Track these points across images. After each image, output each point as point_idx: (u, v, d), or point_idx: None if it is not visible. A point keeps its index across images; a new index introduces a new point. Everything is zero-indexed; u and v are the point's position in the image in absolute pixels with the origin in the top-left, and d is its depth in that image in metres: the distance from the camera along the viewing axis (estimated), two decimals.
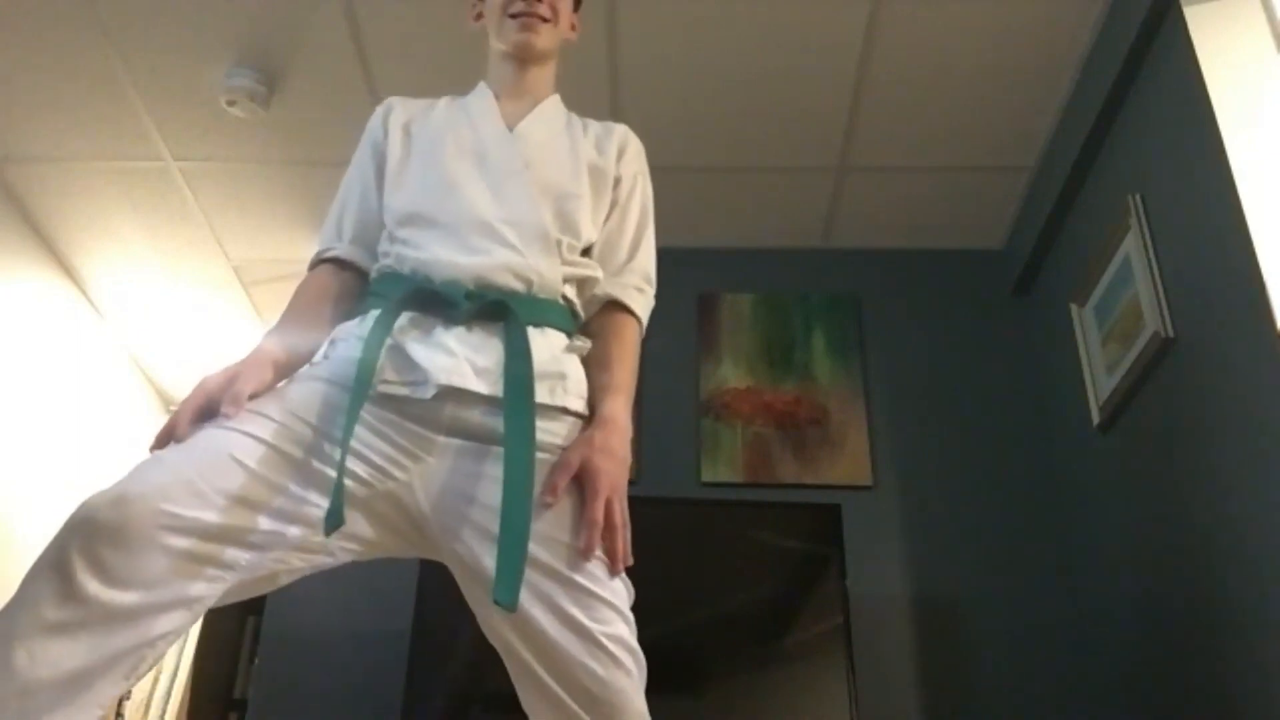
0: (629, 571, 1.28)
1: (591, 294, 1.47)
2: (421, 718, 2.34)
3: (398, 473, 1.25)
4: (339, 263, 1.47)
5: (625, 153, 1.56)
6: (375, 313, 1.31)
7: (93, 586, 1.02)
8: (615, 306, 1.48)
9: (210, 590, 1.13)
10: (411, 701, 2.35)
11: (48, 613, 1.01)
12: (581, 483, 1.25)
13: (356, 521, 1.24)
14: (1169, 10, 2.19)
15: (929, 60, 2.65)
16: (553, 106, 1.58)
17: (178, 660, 3.94)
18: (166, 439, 1.19)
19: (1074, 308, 2.74)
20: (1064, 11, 2.50)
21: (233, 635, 5.30)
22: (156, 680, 3.86)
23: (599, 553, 1.22)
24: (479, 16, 1.63)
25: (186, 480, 1.11)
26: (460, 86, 2.85)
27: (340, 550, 1.27)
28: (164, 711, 3.87)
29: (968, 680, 2.66)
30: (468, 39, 2.64)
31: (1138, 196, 2.38)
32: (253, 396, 1.24)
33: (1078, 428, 2.73)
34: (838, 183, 3.07)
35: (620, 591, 1.24)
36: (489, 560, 1.18)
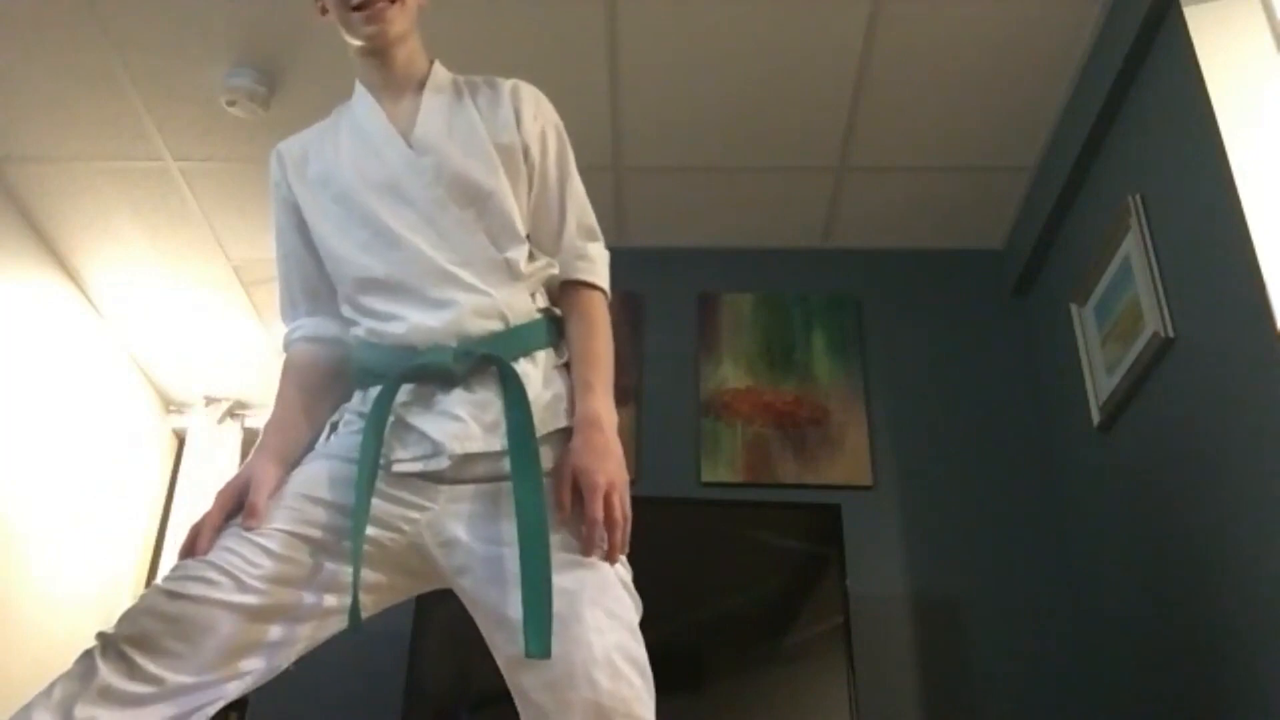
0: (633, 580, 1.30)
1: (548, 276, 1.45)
2: (421, 718, 2.34)
3: (407, 526, 1.28)
4: (308, 340, 1.48)
5: (521, 113, 1.47)
6: (374, 391, 1.32)
7: (152, 668, 1.15)
8: (569, 285, 1.46)
9: (259, 665, 1.21)
10: (411, 702, 2.35)
11: (113, 683, 1.16)
12: (578, 487, 1.26)
13: (370, 576, 1.28)
14: (1169, 10, 2.19)
15: (929, 60, 2.65)
16: (434, 92, 1.48)
17: None
18: (189, 552, 1.24)
19: (1074, 308, 2.74)
20: (1064, 11, 2.50)
21: None
22: None
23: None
24: (324, 11, 1.47)
25: (227, 573, 1.18)
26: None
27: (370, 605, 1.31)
28: None
29: (968, 680, 2.66)
30: (467, 39, 2.65)
31: (1138, 196, 2.38)
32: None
33: (1078, 428, 2.73)
34: (838, 183, 3.07)
35: (628, 605, 1.25)
36: (508, 605, 1.20)
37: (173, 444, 4.34)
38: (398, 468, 1.28)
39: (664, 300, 3.18)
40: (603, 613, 1.19)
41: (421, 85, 1.49)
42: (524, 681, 1.18)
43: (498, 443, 1.28)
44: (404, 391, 1.31)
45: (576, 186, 1.51)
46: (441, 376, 1.31)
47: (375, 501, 1.26)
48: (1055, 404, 2.92)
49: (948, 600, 2.75)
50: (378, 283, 1.37)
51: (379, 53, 1.47)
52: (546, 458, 1.29)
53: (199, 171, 3.08)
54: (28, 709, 1.14)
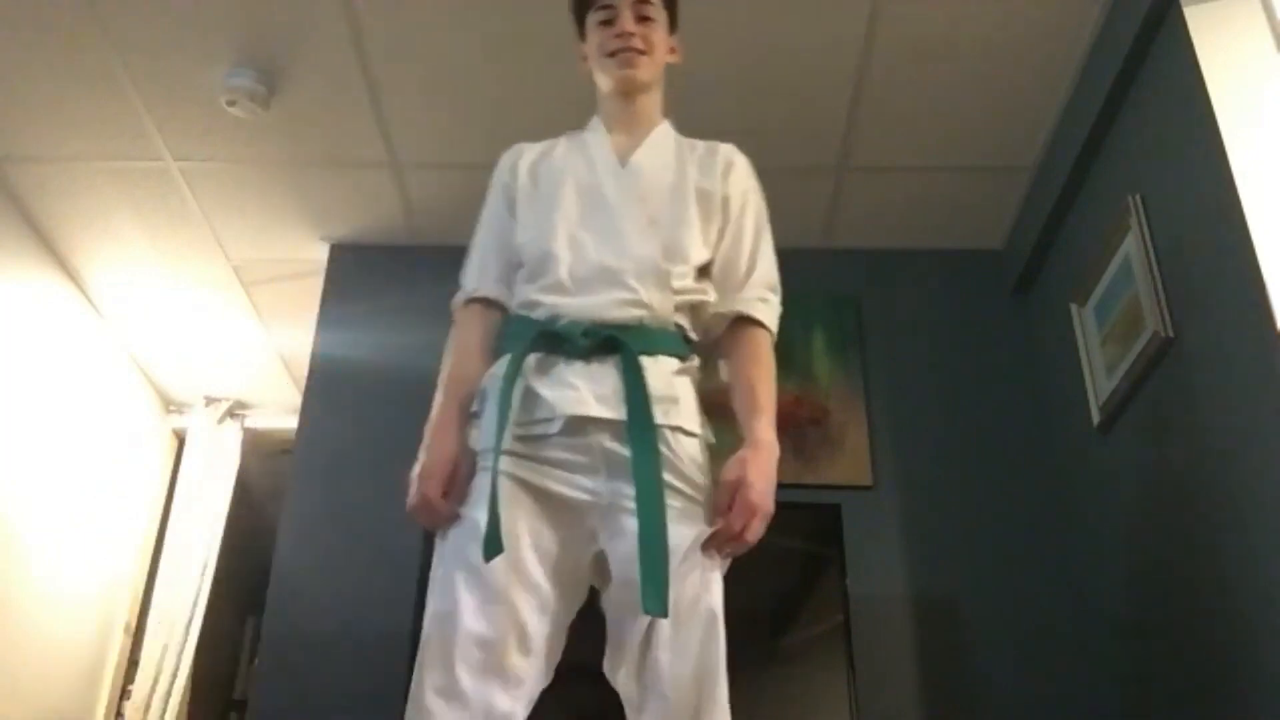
0: None
1: (715, 312, 1.59)
2: None
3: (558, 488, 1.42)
4: (486, 301, 1.62)
5: (731, 172, 1.66)
6: (507, 358, 1.47)
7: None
8: (743, 321, 1.58)
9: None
10: None
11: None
12: (732, 496, 1.40)
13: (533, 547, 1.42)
14: (1169, 10, 2.19)
15: (929, 60, 2.65)
16: (662, 135, 1.69)
17: (178, 660, 3.93)
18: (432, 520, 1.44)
19: (1074, 308, 2.74)
20: (1064, 11, 2.49)
21: (233, 635, 5.32)
22: (156, 680, 3.86)
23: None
24: (584, 59, 1.74)
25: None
26: (460, 86, 2.84)
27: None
28: (164, 711, 3.86)
29: (968, 680, 2.66)
30: (468, 39, 2.65)
31: (1138, 196, 2.38)
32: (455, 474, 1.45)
33: (1078, 428, 2.73)
34: (838, 183, 3.07)
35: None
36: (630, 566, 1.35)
37: (173, 444, 4.35)
38: (518, 431, 1.42)
39: None
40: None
41: (649, 131, 1.69)
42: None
43: (606, 412, 1.40)
44: (532, 360, 1.46)
45: (769, 247, 1.66)
46: (567, 350, 1.45)
47: (515, 467, 1.41)
48: (1055, 404, 2.92)
49: (948, 600, 2.75)
50: (549, 266, 1.53)
51: (624, 96, 1.68)
52: (663, 451, 1.41)
53: (199, 171, 3.08)
54: None
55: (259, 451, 4.42)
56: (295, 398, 3.61)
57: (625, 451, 1.39)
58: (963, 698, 2.64)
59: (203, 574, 4.07)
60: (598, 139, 1.67)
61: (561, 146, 1.70)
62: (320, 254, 3.34)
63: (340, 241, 3.35)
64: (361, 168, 3.06)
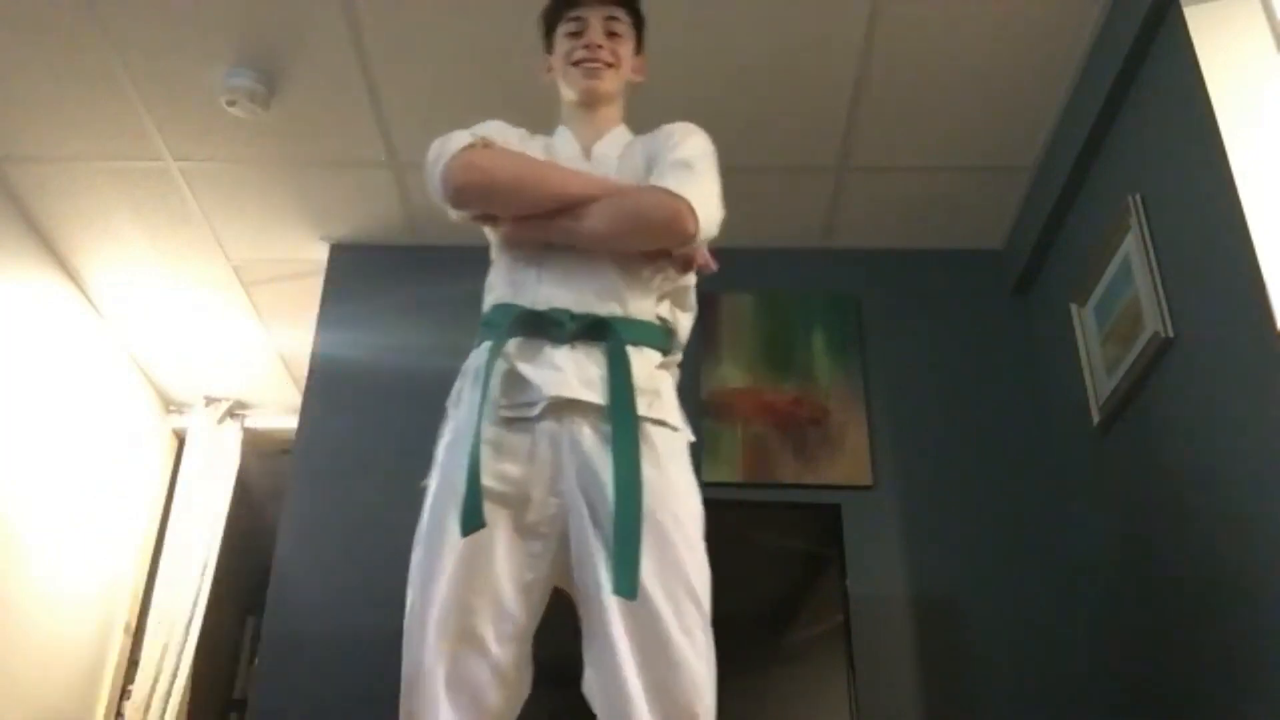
0: None
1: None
2: None
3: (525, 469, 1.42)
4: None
5: (671, 134, 1.66)
6: (488, 344, 1.48)
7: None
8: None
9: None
10: None
11: None
12: None
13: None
14: (1169, 10, 2.19)
15: (929, 60, 2.65)
16: (619, 132, 1.73)
17: (178, 660, 3.93)
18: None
19: (1074, 308, 2.74)
20: (1064, 11, 2.49)
21: (232, 635, 5.32)
22: (156, 680, 3.86)
23: None
24: (549, 70, 1.78)
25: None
26: (460, 87, 2.86)
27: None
28: (164, 711, 3.86)
29: (967, 680, 2.66)
30: (467, 39, 2.65)
31: (1138, 196, 2.38)
32: None
33: (1077, 428, 2.73)
34: (838, 183, 3.07)
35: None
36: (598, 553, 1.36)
37: (173, 444, 4.35)
38: (503, 413, 1.43)
39: None
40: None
41: (608, 132, 1.72)
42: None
43: (589, 396, 1.41)
44: (514, 344, 1.47)
45: (697, 149, 1.62)
46: (552, 334, 1.46)
47: (491, 455, 1.41)
48: (1055, 404, 2.92)
49: (948, 600, 2.75)
50: (525, 252, 1.56)
51: (587, 106, 1.72)
52: (645, 442, 1.41)
53: (199, 171, 3.08)
54: None
55: (259, 451, 4.42)
56: (295, 398, 3.61)
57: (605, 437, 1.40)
58: (963, 698, 2.64)
59: (203, 574, 4.07)
60: (564, 139, 1.71)
61: (534, 141, 1.71)
62: (320, 254, 3.34)
63: (340, 241, 3.35)
64: (361, 168, 3.06)
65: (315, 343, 3.20)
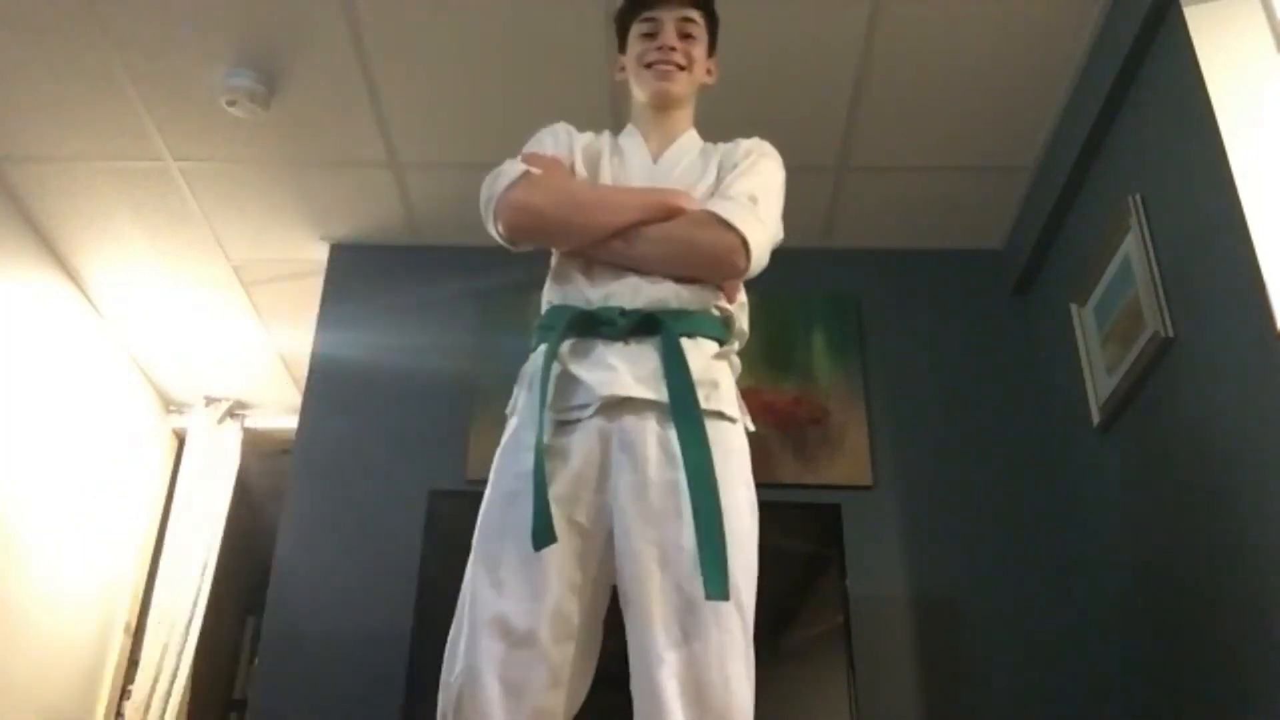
0: None
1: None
2: (421, 718, 2.34)
3: (590, 477, 1.42)
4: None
5: (749, 153, 1.67)
6: (544, 347, 1.48)
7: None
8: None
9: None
10: (412, 703, 2.34)
11: None
12: None
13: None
14: (1169, 10, 2.19)
15: (929, 60, 2.65)
16: (690, 138, 1.73)
17: (178, 660, 3.93)
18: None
19: (1074, 308, 2.74)
20: (1064, 11, 2.49)
21: (233, 635, 5.32)
22: (156, 680, 3.86)
23: None
24: (621, 70, 1.79)
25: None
26: (460, 87, 2.85)
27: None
28: (164, 711, 3.86)
29: (968, 680, 2.66)
30: (467, 39, 2.65)
31: (1138, 196, 2.38)
32: None
33: (1078, 428, 2.73)
34: (837, 183, 3.07)
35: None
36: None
37: (173, 444, 4.35)
38: (557, 416, 1.43)
39: None
40: None
41: (679, 138, 1.73)
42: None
43: (645, 393, 1.41)
44: (568, 345, 1.47)
45: (765, 181, 1.62)
46: (605, 332, 1.46)
47: (556, 461, 1.41)
48: (1055, 404, 2.92)
49: (948, 600, 2.75)
50: (584, 252, 1.55)
51: (657, 108, 1.72)
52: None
53: (199, 171, 3.08)
54: None
55: (259, 451, 4.42)
56: (295, 398, 3.61)
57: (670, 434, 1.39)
58: (963, 698, 2.64)
59: (203, 574, 4.07)
60: (631, 140, 1.72)
61: (601, 142, 1.73)
62: (320, 254, 3.34)
63: (340, 241, 3.35)
64: (361, 168, 3.06)
65: (315, 343, 3.20)
